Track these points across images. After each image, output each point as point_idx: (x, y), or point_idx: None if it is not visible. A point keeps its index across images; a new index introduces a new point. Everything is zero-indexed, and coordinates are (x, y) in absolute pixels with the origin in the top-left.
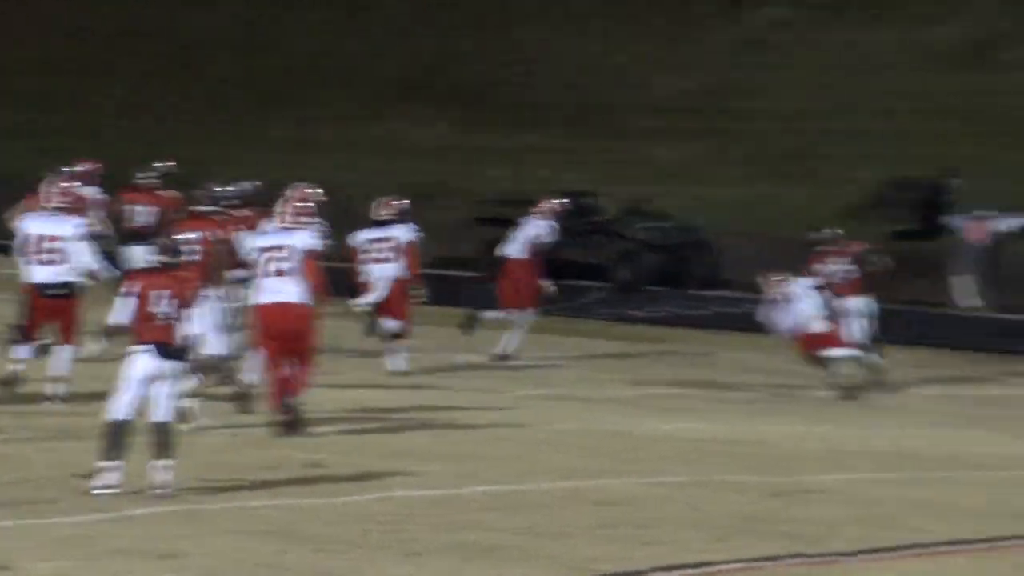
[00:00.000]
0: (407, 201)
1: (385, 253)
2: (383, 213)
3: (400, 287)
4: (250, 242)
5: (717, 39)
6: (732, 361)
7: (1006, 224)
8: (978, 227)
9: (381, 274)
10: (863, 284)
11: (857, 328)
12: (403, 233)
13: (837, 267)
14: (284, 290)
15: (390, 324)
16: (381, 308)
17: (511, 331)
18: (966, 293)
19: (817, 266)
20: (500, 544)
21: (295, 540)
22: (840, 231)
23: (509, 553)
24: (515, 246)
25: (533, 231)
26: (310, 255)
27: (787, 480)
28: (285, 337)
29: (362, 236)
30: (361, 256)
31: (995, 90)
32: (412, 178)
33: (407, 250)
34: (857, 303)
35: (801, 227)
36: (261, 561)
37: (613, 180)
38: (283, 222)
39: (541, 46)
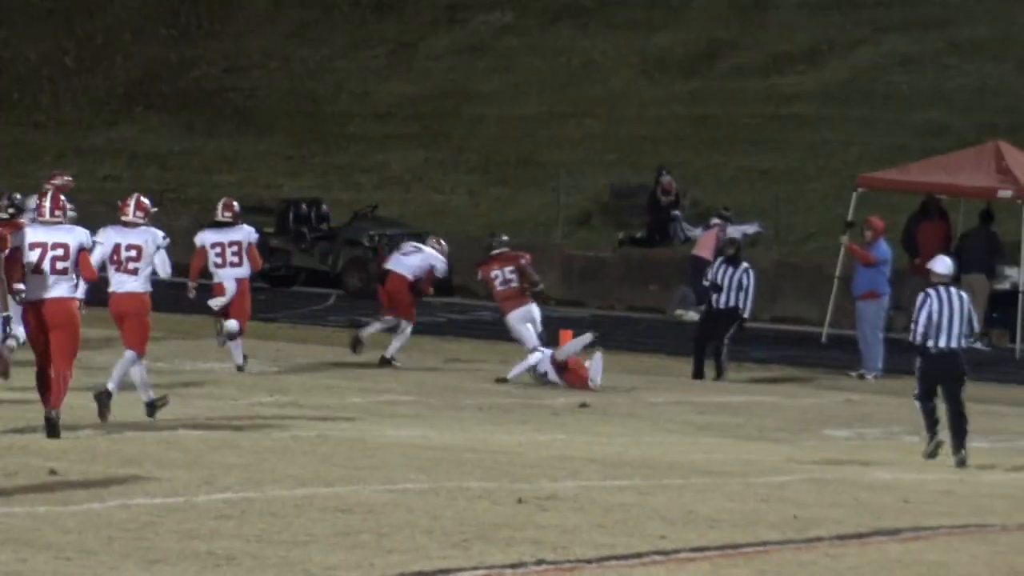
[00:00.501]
0: (236, 203)
1: (231, 257)
2: (226, 215)
3: (244, 288)
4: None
5: (442, 45)
6: (465, 368)
7: (737, 231)
8: (708, 237)
9: (230, 276)
10: (522, 293)
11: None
12: (246, 235)
13: (499, 274)
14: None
15: (231, 323)
16: (228, 309)
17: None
18: (686, 302)
19: (483, 272)
20: (239, 552)
21: (35, 548)
22: (505, 238)
23: (248, 562)
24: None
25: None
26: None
27: (526, 487)
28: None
29: (206, 237)
30: (210, 258)
31: (718, 97)
32: (143, 184)
33: (250, 251)
34: (519, 312)
35: (536, 233)
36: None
37: (341, 187)
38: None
39: (268, 53)
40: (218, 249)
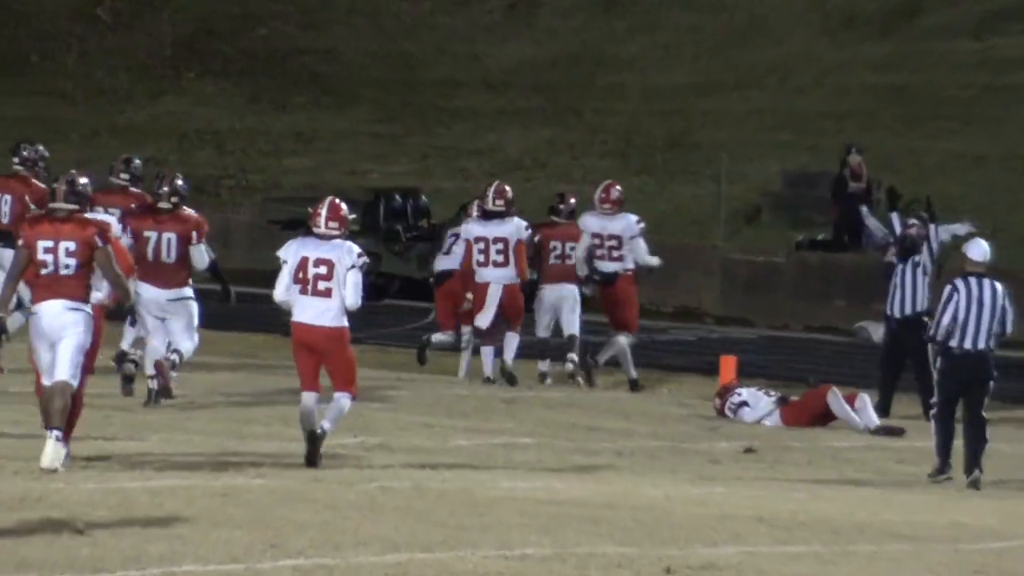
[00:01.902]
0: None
1: (495, 255)
2: (497, 203)
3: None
4: None
5: None
6: (599, 402)
7: (946, 233)
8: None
9: (494, 277)
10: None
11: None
12: (515, 230)
13: (558, 246)
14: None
15: (442, 337)
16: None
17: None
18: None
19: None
20: None
21: None
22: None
23: None
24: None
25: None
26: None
27: (676, 554)
28: None
29: (472, 230)
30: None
31: (918, 63)
32: (195, 170)
33: (517, 250)
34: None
35: (690, 233)
36: None
37: (444, 174)
38: None
39: (353, 6)
40: (481, 245)
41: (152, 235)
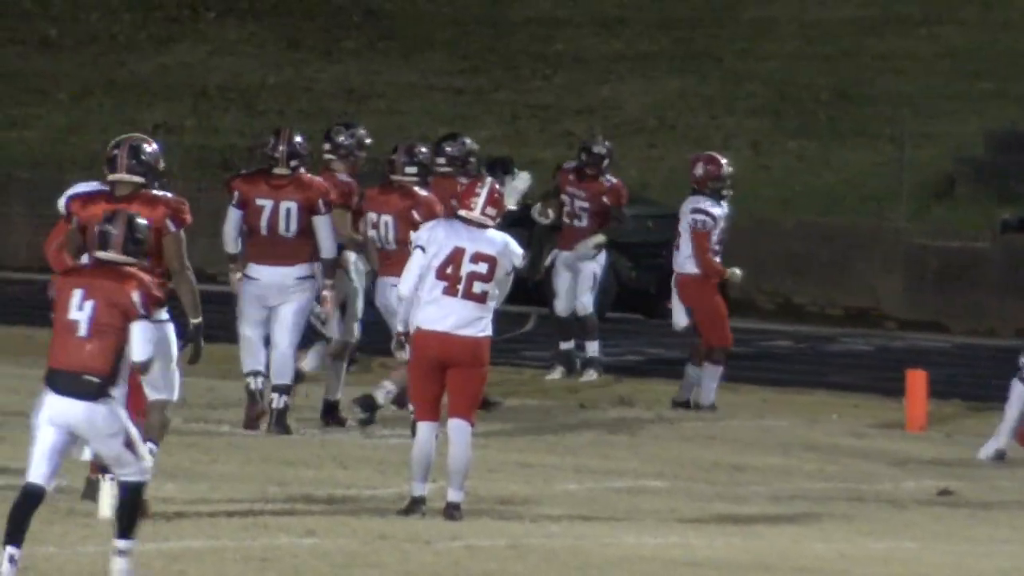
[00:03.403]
0: None
1: None
2: None
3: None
4: None
5: None
6: (749, 432)
7: None
8: None
9: None
10: None
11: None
12: None
13: None
14: None
15: None
16: None
17: None
18: None
19: None
20: None
21: None
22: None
23: None
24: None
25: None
26: None
27: None
28: None
29: None
30: None
31: None
32: (219, 138)
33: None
34: None
35: (864, 211)
36: None
37: (543, 140)
38: None
39: None
40: None
41: (267, 204)
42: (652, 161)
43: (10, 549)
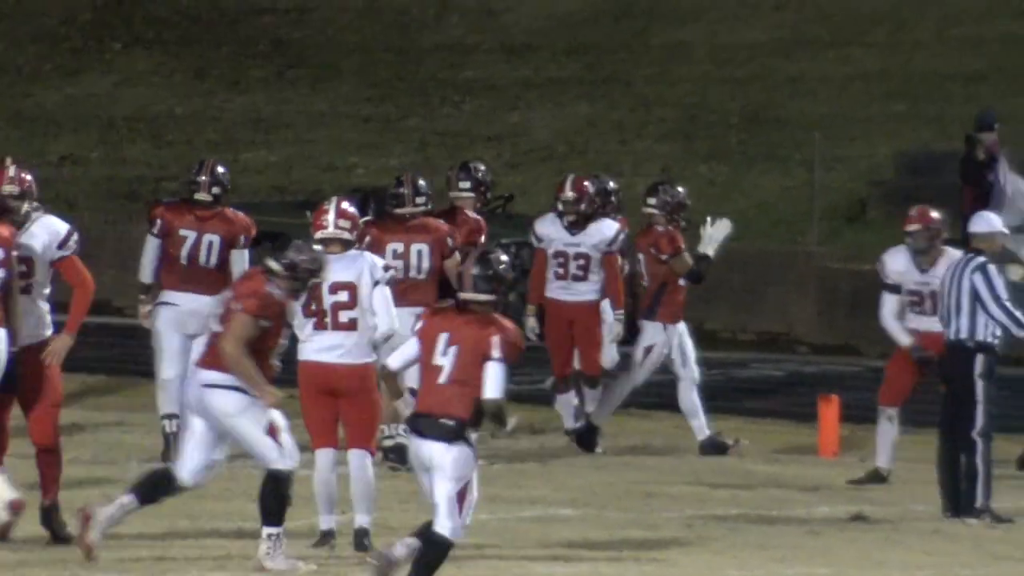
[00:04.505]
0: None
1: None
2: None
3: None
4: None
5: None
6: (661, 460)
7: None
8: None
9: None
10: None
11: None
12: None
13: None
14: None
15: None
16: None
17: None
18: None
19: None
20: None
21: None
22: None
23: None
24: None
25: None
26: None
27: None
28: None
29: None
30: None
31: None
32: (126, 169)
33: None
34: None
35: (775, 235)
36: None
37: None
38: None
39: None
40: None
41: (191, 235)
42: None
43: None
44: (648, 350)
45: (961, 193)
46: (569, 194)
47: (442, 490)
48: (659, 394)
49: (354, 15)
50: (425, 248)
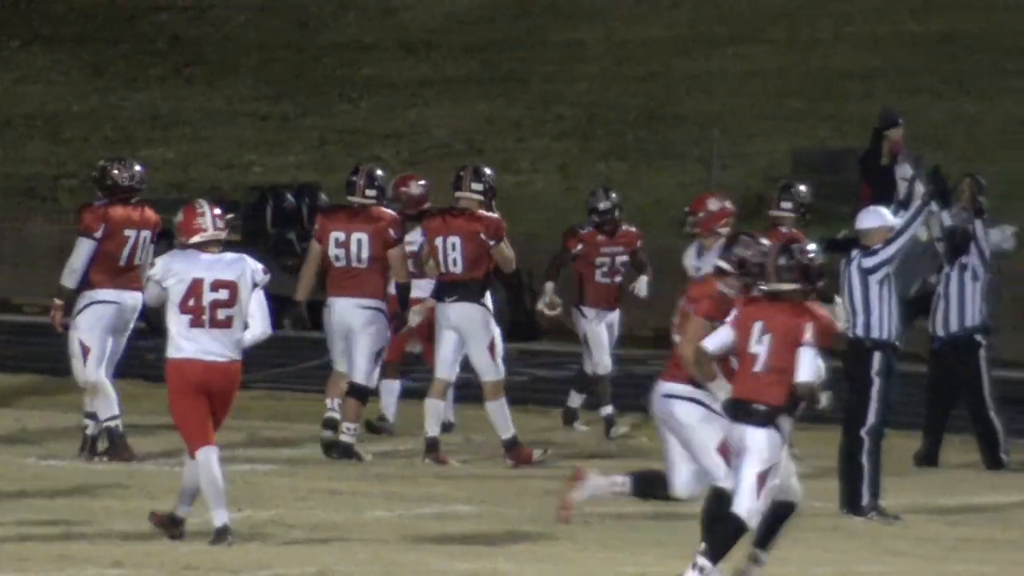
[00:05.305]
0: None
1: None
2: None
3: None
4: None
5: None
6: (560, 458)
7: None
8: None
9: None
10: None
11: None
12: None
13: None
14: None
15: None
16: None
17: None
18: None
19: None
20: None
21: None
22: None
23: None
24: None
25: None
26: None
27: None
28: None
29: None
30: None
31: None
32: (22, 167)
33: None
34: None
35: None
36: None
37: (350, 165)
38: None
39: None
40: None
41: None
42: None
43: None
44: None
45: (858, 189)
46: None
47: (749, 471)
48: (556, 390)
49: (252, 13)
50: (365, 237)
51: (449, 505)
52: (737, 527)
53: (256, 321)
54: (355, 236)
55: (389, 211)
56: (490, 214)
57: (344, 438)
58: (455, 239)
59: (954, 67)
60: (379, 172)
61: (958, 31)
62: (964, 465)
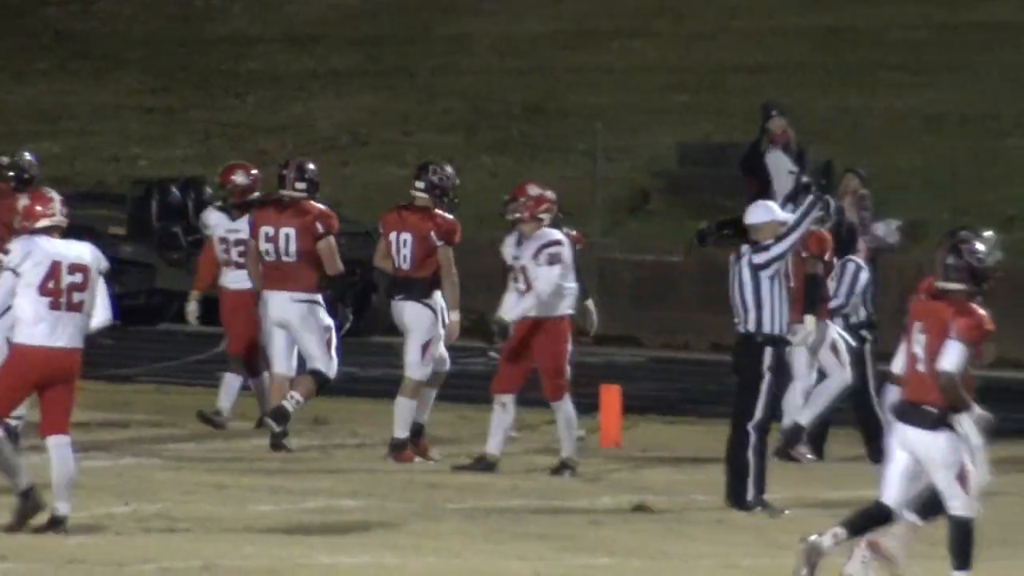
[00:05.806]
0: None
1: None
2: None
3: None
4: None
5: None
6: (445, 452)
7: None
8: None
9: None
10: None
11: None
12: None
13: None
14: None
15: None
16: None
17: None
18: None
19: None
20: None
21: None
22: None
23: None
24: None
25: None
26: None
27: None
28: None
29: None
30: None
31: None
32: None
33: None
34: None
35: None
36: None
37: (236, 158)
38: None
39: None
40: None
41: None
42: (345, 179)
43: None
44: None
45: (742, 183)
46: None
47: (940, 479)
48: (470, 386)
49: (138, 6)
50: (292, 232)
51: (335, 499)
52: (967, 525)
53: (99, 310)
54: (283, 231)
55: (318, 205)
56: (446, 215)
57: (286, 403)
58: (407, 235)
59: (838, 61)
60: (310, 165)
61: (842, 25)
62: (849, 459)
